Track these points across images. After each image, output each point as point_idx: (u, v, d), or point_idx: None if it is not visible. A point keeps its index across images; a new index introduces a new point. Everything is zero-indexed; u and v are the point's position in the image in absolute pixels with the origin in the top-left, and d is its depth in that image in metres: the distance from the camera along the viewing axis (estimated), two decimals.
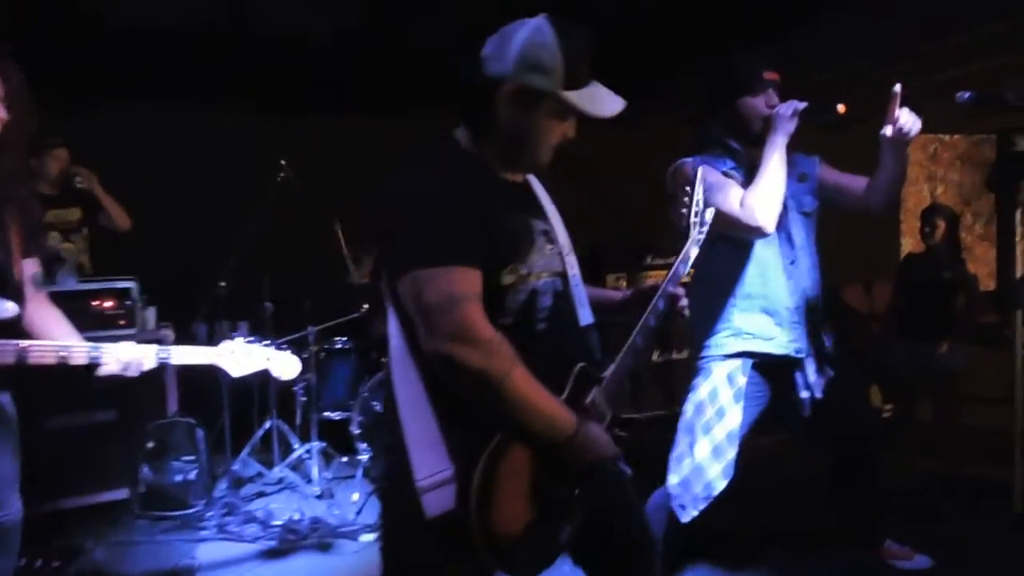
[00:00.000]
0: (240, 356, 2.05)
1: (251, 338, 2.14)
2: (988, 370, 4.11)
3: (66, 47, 4.38)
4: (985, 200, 7.23)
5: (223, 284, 3.88)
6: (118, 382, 1.92)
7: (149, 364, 1.93)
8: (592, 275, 1.68)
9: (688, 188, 1.75)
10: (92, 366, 1.88)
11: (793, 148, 2.33)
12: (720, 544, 2.89)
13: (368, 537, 3.25)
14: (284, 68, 4.80)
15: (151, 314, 3.82)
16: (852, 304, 5.58)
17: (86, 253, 4.02)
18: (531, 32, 1.43)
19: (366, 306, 4.07)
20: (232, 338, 2.10)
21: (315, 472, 3.85)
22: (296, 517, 3.39)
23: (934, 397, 4.24)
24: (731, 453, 2.39)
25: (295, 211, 3.97)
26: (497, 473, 1.37)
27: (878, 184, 2.40)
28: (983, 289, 4.99)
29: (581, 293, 1.61)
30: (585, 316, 1.60)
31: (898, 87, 2.15)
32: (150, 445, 3.53)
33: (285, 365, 2.12)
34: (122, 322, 3.61)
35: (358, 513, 3.48)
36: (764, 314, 2.42)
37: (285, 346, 2.20)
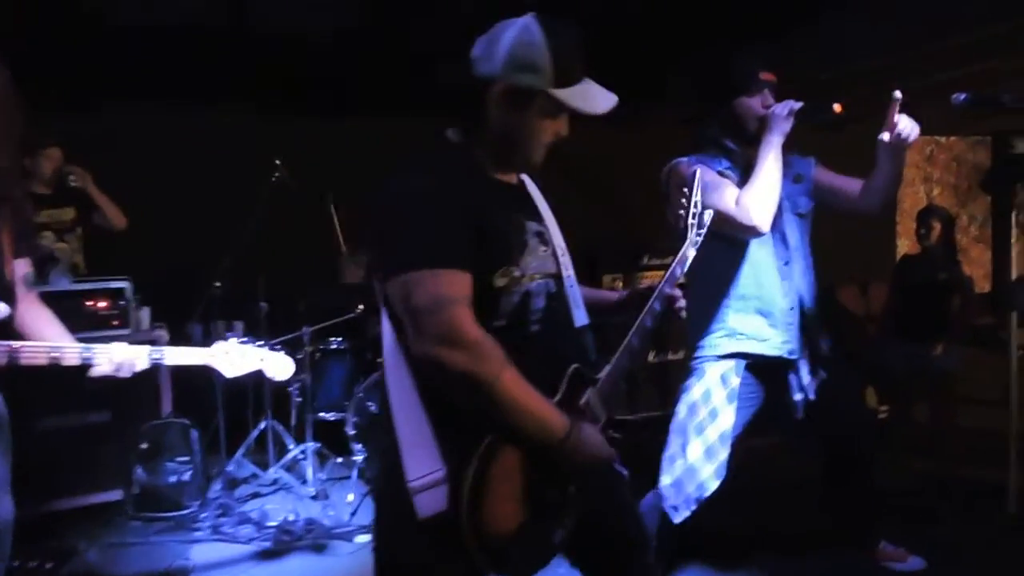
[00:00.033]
0: (233, 357, 2.05)
1: (245, 339, 2.13)
2: (983, 372, 4.11)
3: (63, 47, 4.37)
4: (981, 202, 7.24)
5: (218, 284, 3.86)
6: (112, 382, 1.92)
7: (142, 365, 1.92)
8: (588, 276, 1.68)
9: (686, 189, 1.75)
10: (84, 367, 1.87)
11: (789, 149, 2.34)
12: (713, 545, 2.89)
13: (363, 538, 3.24)
14: (280, 68, 4.80)
15: (145, 314, 3.81)
16: (848, 305, 5.58)
17: (80, 253, 4.01)
18: (518, 31, 1.43)
19: (361, 306, 4.06)
20: (226, 338, 2.09)
21: (310, 473, 3.84)
22: (291, 518, 3.38)
23: (929, 399, 4.24)
24: (723, 454, 2.39)
25: (291, 211, 3.96)
26: (489, 474, 1.36)
27: (873, 187, 2.40)
28: (978, 291, 5.00)
29: (576, 294, 1.60)
30: (580, 317, 1.59)
31: (898, 93, 2.15)
32: (144, 446, 3.51)
33: (279, 366, 2.11)
34: (116, 322, 3.59)
35: (353, 514, 3.47)
36: (758, 315, 2.42)
37: (279, 347, 2.19)
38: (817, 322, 2.51)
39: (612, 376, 1.57)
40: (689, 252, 1.73)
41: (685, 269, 1.72)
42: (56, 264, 3.79)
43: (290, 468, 3.93)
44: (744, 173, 2.34)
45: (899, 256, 5.67)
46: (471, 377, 1.31)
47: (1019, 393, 3.31)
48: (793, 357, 2.44)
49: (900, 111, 2.17)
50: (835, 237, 2.63)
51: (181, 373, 3.53)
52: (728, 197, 2.24)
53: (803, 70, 4.33)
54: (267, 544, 3.21)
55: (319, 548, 3.20)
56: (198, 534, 3.35)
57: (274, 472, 3.90)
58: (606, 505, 1.62)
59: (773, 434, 2.75)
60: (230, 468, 3.84)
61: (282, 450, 4.02)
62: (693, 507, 2.40)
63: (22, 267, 1.95)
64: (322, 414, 4.11)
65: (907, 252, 5.20)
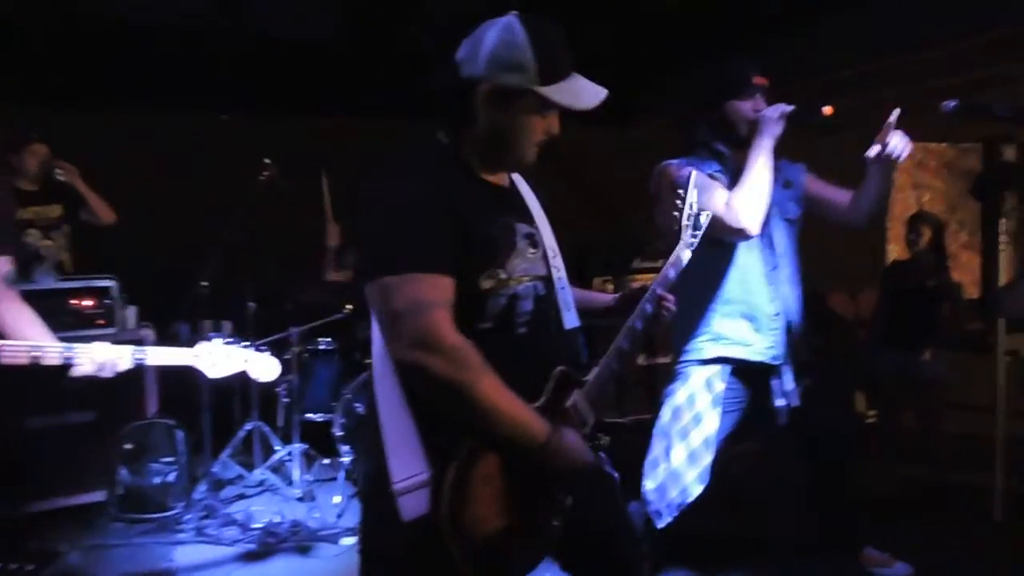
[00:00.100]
0: (217, 357, 2.03)
1: (230, 339, 2.11)
2: (972, 377, 4.12)
3: (52, 46, 4.35)
4: (970, 208, 7.27)
5: (205, 284, 3.83)
6: (96, 382, 1.90)
7: (124, 365, 1.90)
8: (578, 278, 1.66)
9: (680, 191, 1.73)
10: (66, 366, 1.85)
11: (779, 155, 2.33)
12: (697, 550, 2.88)
13: (349, 540, 3.22)
14: (269, 68, 4.79)
15: (131, 313, 3.78)
16: (838, 310, 5.59)
17: (66, 250, 3.98)
18: (500, 31, 1.43)
19: (349, 307, 4.03)
20: (210, 339, 2.07)
21: (296, 474, 3.81)
22: (276, 520, 3.35)
23: (917, 404, 4.25)
24: (707, 459, 2.39)
25: (280, 211, 3.94)
26: (470, 478, 1.36)
27: (862, 201, 2.42)
28: (967, 297, 5.01)
29: (567, 296, 1.59)
30: (570, 319, 1.58)
31: (896, 112, 2.17)
32: (128, 446, 3.47)
33: (264, 367, 2.10)
34: (101, 321, 3.57)
35: (339, 516, 3.45)
36: (744, 320, 2.42)
37: (265, 347, 2.16)
38: (802, 328, 2.51)
39: (600, 379, 1.56)
40: (683, 254, 1.71)
41: (679, 271, 1.70)
42: (41, 262, 3.75)
43: (276, 469, 3.91)
44: (734, 177, 2.33)
45: (889, 261, 5.68)
46: (448, 382, 1.31)
47: (1006, 398, 3.32)
48: (777, 363, 2.44)
49: (894, 128, 2.19)
50: (825, 242, 2.63)
51: (167, 373, 3.50)
52: (718, 199, 2.23)
53: (796, 74, 4.34)
54: (252, 546, 3.19)
55: (304, 550, 3.18)
56: (182, 536, 3.33)
57: (260, 473, 3.88)
58: (596, 509, 1.60)
59: (757, 439, 2.75)
60: (216, 469, 3.80)
61: (268, 451, 3.98)
62: (676, 512, 2.39)
63: (3, 265, 1.93)
64: (309, 415, 4.08)
65: (897, 258, 5.21)
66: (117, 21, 4.25)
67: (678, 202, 1.72)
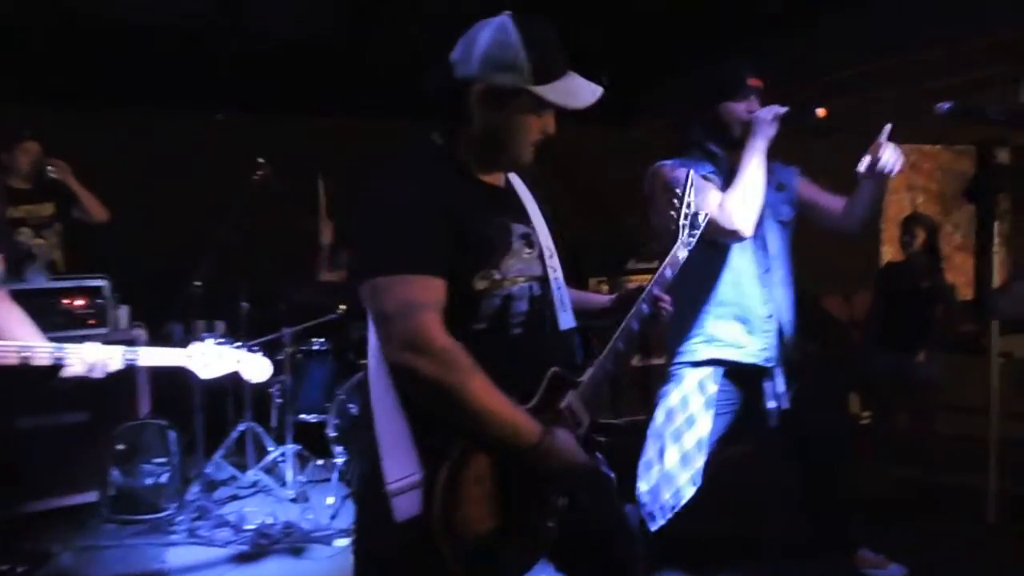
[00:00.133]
0: (209, 358, 2.03)
1: (222, 340, 2.10)
2: (965, 379, 4.13)
3: (50, 45, 4.33)
4: (964, 210, 7.30)
5: (198, 284, 3.81)
6: (88, 382, 1.89)
7: (115, 365, 1.90)
8: (573, 278, 1.66)
9: (678, 190, 1.73)
10: (56, 367, 1.84)
11: (773, 157, 2.33)
12: (690, 552, 2.87)
13: (342, 542, 3.20)
14: (263, 67, 4.77)
15: (123, 313, 3.76)
16: (832, 312, 5.60)
17: (58, 249, 3.96)
18: (493, 31, 1.43)
19: (343, 307, 4.02)
20: (202, 339, 2.06)
21: (290, 475, 3.79)
22: (269, 521, 3.34)
23: (911, 405, 4.26)
24: (700, 461, 2.39)
25: (274, 210, 3.92)
26: (463, 479, 1.36)
27: (854, 209, 2.43)
28: (961, 298, 5.03)
29: (563, 297, 1.59)
30: (566, 320, 1.58)
31: (888, 127, 2.18)
32: (120, 447, 3.46)
33: (256, 368, 2.09)
34: (92, 321, 3.55)
35: (332, 517, 3.44)
36: (737, 322, 2.41)
37: (257, 348, 2.16)
38: (794, 331, 2.51)
39: (595, 379, 1.55)
40: (680, 254, 1.70)
41: (676, 271, 1.69)
42: (33, 261, 3.73)
43: (270, 470, 3.89)
44: (728, 178, 2.33)
45: (883, 263, 5.70)
46: (437, 384, 1.31)
47: (1000, 400, 3.33)
48: (770, 365, 2.44)
49: (887, 142, 2.21)
50: (819, 243, 2.63)
51: (159, 373, 3.48)
52: (711, 200, 2.23)
53: (796, 74, 4.35)
54: (245, 548, 3.17)
55: (298, 551, 3.17)
56: (175, 537, 3.31)
57: (253, 474, 3.86)
58: (592, 509, 1.59)
59: (750, 441, 2.75)
60: (208, 470, 3.79)
61: (262, 452, 3.97)
62: (669, 514, 2.39)
63: None
64: (303, 416, 4.07)
65: (891, 259, 5.22)
66: (116, 21, 4.23)
67: (675, 201, 1.72)
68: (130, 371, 2.06)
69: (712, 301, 2.41)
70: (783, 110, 2.26)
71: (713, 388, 2.41)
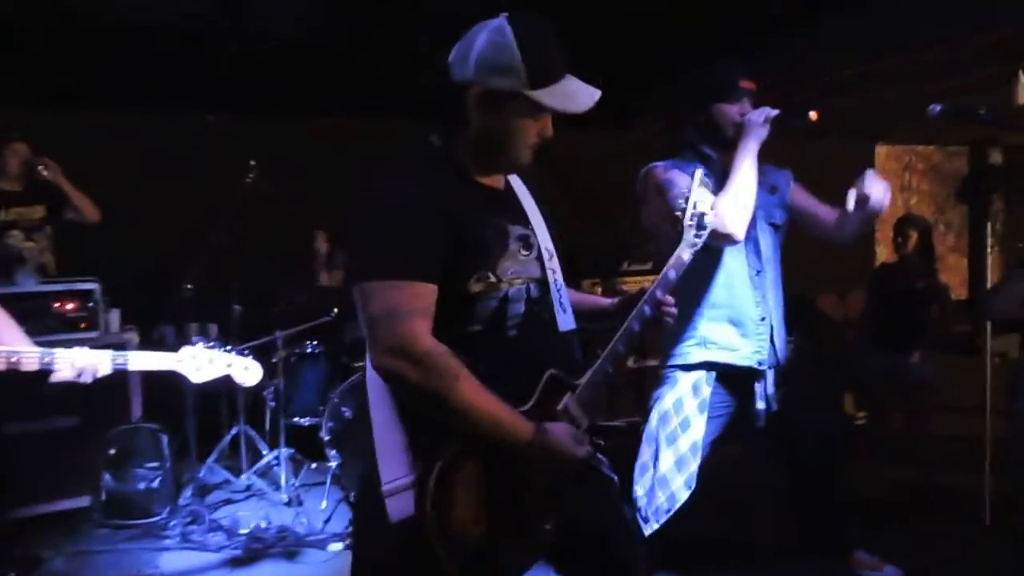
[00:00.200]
0: (200, 362, 2.02)
1: (213, 343, 2.09)
2: (959, 379, 4.14)
3: (48, 45, 4.31)
4: (957, 211, 7.33)
5: (189, 287, 3.79)
6: (79, 386, 1.88)
7: (104, 370, 1.89)
8: (567, 280, 1.65)
9: (685, 190, 1.71)
10: (44, 372, 1.82)
11: (765, 159, 2.33)
12: (687, 554, 2.86)
13: (336, 546, 3.19)
14: (256, 69, 4.75)
15: (115, 316, 3.74)
16: (827, 312, 5.61)
17: (49, 252, 3.93)
18: (490, 34, 1.42)
19: (336, 310, 4.01)
20: (193, 343, 2.05)
21: (283, 479, 3.78)
22: (262, 525, 3.32)
23: (905, 406, 4.26)
24: (694, 464, 2.39)
25: (266, 213, 3.91)
26: (455, 480, 1.36)
27: (844, 227, 2.44)
28: (955, 298, 5.03)
29: (563, 298, 1.58)
30: (566, 322, 1.57)
31: (871, 172, 2.23)
32: (112, 451, 3.44)
33: (247, 371, 2.08)
34: (84, 325, 3.53)
35: (326, 521, 3.43)
36: (730, 324, 2.41)
37: (248, 351, 2.14)
38: (786, 333, 2.51)
39: (593, 381, 1.54)
40: (685, 255, 1.67)
41: (680, 272, 1.66)
42: (23, 264, 3.69)
43: (263, 474, 3.88)
44: (720, 180, 2.33)
45: (877, 264, 5.71)
46: (423, 390, 1.33)
47: (994, 400, 3.33)
48: (763, 367, 2.44)
49: (873, 178, 2.24)
50: (814, 244, 2.63)
51: (151, 377, 3.43)
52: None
53: (796, 74, 4.35)
54: (238, 552, 3.16)
55: (291, 555, 3.15)
56: (167, 542, 3.29)
57: (247, 478, 3.85)
58: (592, 509, 1.60)
59: (744, 443, 2.74)
60: (201, 474, 3.77)
61: (255, 456, 3.96)
62: (664, 518, 2.39)
63: None
64: (296, 419, 4.04)
65: (885, 260, 5.23)
66: (116, 21, 4.21)
67: (681, 202, 1.70)
68: (122, 375, 2.05)
69: (705, 303, 2.41)
70: (775, 112, 2.25)
71: (707, 391, 2.41)
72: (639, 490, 2.43)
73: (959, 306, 5.37)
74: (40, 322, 3.30)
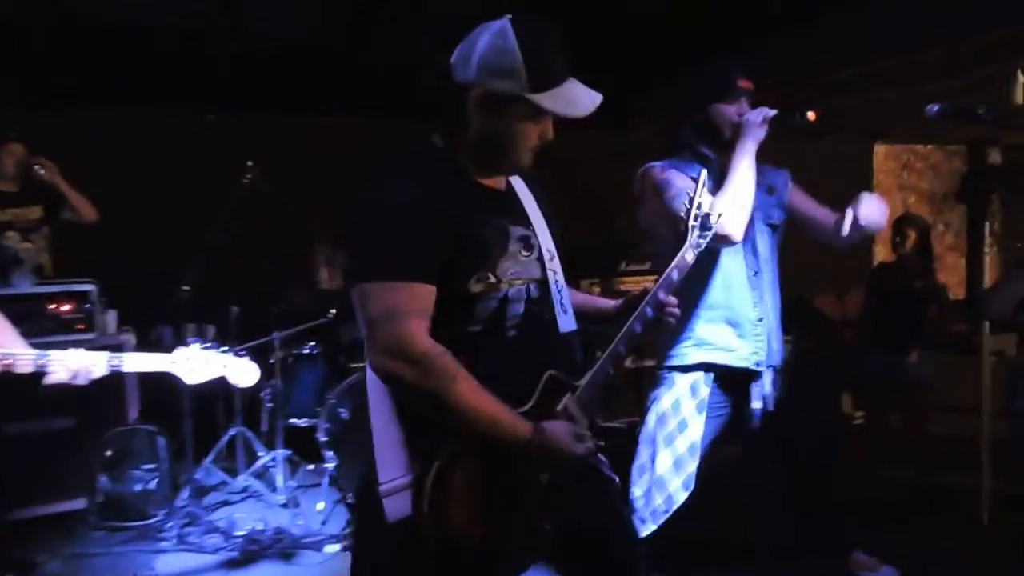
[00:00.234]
0: (195, 363, 2.01)
1: (209, 344, 2.08)
2: (957, 378, 4.14)
3: (47, 46, 4.30)
4: (956, 210, 7.32)
5: (186, 288, 3.78)
6: (76, 388, 1.87)
7: (99, 372, 1.88)
8: (566, 280, 1.64)
9: (689, 191, 1.71)
10: (39, 374, 1.81)
11: (763, 160, 2.32)
12: (685, 555, 2.85)
13: (333, 547, 3.18)
14: (254, 69, 4.74)
15: (112, 318, 3.73)
16: (825, 312, 5.60)
17: (46, 252, 3.92)
18: (492, 36, 1.41)
19: (333, 311, 3.99)
20: (188, 344, 2.04)
21: (280, 480, 3.77)
22: (259, 527, 3.31)
23: (903, 406, 4.26)
24: (692, 466, 2.38)
25: (265, 213, 3.90)
26: (452, 480, 1.36)
27: (842, 236, 2.42)
28: (953, 298, 5.03)
29: (564, 299, 1.58)
30: (566, 323, 1.57)
31: (867, 194, 2.25)
32: (109, 453, 3.43)
33: (243, 372, 2.07)
34: (80, 326, 3.52)
35: (323, 523, 3.42)
36: (727, 325, 2.40)
37: (243, 352, 2.13)
38: (783, 333, 2.51)
39: (593, 382, 1.54)
40: (688, 256, 1.67)
41: (684, 273, 1.66)
42: (20, 265, 3.69)
43: (260, 475, 3.86)
44: (718, 180, 2.32)
45: (875, 263, 5.70)
46: (421, 391, 1.33)
47: (992, 400, 3.33)
48: (759, 368, 2.43)
49: (867, 199, 2.25)
50: (812, 243, 2.62)
51: (148, 378, 3.43)
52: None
53: (796, 74, 4.34)
54: (234, 554, 3.15)
55: (288, 557, 3.15)
56: (164, 544, 3.28)
57: (244, 479, 3.83)
58: (592, 511, 1.60)
59: (742, 443, 2.74)
60: (198, 476, 3.76)
61: (252, 457, 3.94)
62: (661, 519, 2.38)
63: None
64: (293, 420, 4.03)
65: (883, 260, 5.23)
66: (116, 21, 4.20)
67: (686, 202, 1.69)
68: (118, 376, 2.04)
69: (702, 304, 2.40)
70: (772, 113, 2.25)
71: (705, 391, 2.40)
72: (636, 491, 2.43)
73: (957, 306, 5.37)
74: (36, 324, 3.30)
